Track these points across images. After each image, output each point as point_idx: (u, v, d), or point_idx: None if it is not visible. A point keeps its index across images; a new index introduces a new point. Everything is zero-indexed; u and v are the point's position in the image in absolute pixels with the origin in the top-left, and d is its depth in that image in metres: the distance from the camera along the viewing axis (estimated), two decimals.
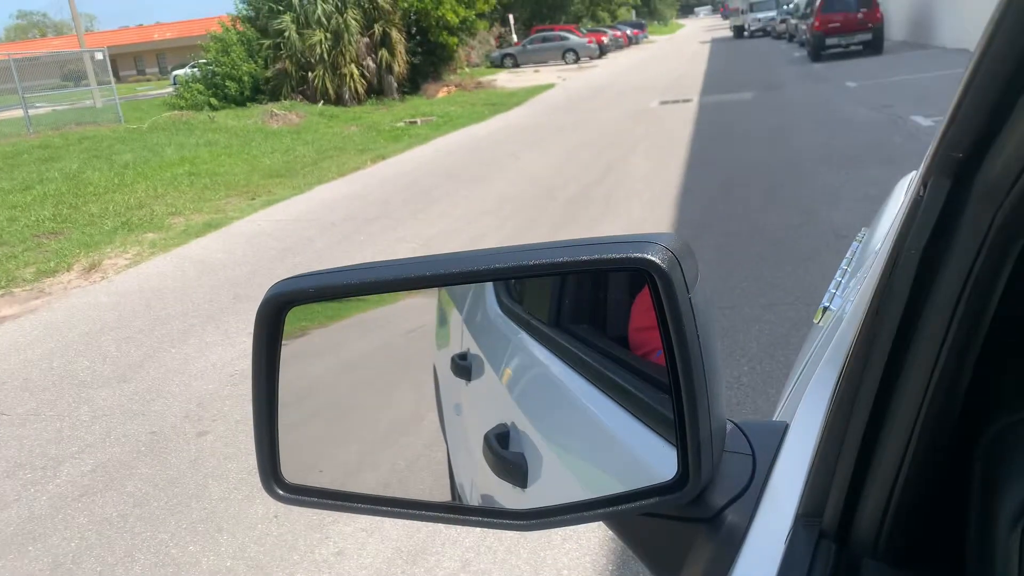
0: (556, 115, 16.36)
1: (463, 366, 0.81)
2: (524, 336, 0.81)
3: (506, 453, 0.73)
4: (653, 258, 0.59)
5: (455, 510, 0.76)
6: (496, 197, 8.78)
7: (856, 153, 8.73)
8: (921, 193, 0.48)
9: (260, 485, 0.77)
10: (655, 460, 0.64)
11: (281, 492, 0.74)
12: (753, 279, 5.08)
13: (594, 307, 0.75)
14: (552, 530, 2.83)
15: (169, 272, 6.86)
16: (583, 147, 11.67)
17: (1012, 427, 0.52)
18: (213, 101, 20.71)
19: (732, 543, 0.63)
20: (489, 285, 0.79)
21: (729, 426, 0.74)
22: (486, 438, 0.75)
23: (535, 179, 9.61)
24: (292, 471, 0.75)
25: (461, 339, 0.81)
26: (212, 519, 3.11)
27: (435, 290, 0.77)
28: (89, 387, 4.50)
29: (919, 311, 0.49)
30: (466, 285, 0.76)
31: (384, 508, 0.74)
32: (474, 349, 0.82)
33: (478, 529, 0.76)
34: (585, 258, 0.62)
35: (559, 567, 2.64)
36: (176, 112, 18.94)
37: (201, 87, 21.50)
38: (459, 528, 2.84)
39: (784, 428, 0.77)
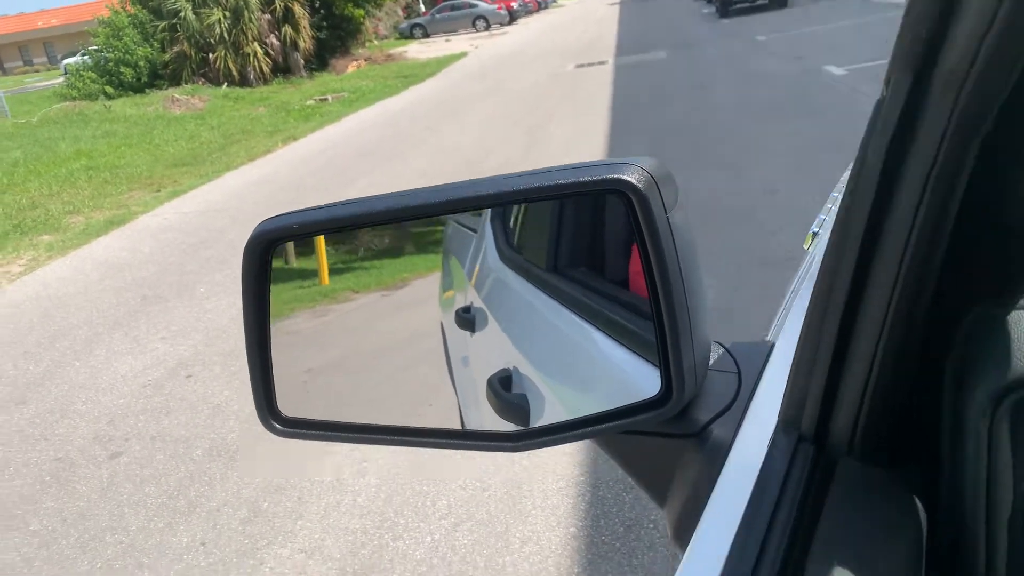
0: (471, 84, 16.00)
1: (467, 319, 0.84)
2: (524, 283, 0.84)
3: (508, 395, 0.76)
4: (629, 178, 0.59)
5: (448, 435, 0.78)
6: (415, 174, 8.44)
7: (775, 106, 8.71)
8: (884, 93, 0.48)
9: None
10: (646, 384, 0.66)
11: (279, 427, 0.75)
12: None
13: (590, 251, 0.77)
14: (511, 532, 2.64)
15: (69, 276, 6.34)
16: (502, 116, 11.39)
17: (983, 319, 0.53)
18: (108, 89, 19.54)
19: (718, 456, 0.65)
20: (490, 237, 0.84)
21: (718, 349, 0.77)
22: (489, 382, 0.78)
23: (455, 153, 9.30)
24: (290, 406, 0.75)
25: (465, 295, 0.86)
26: (131, 553, 2.80)
27: (439, 250, 0.81)
28: None
29: (885, 209, 0.49)
30: (466, 230, 0.80)
31: (381, 436, 0.75)
32: (477, 302, 0.86)
33: (468, 451, 0.77)
34: (562, 181, 0.62)
35: (520, 574, 2.44)
36: (68, 103, 17.81)
37: (94, 75, 20.26)
38: (413, 538, 2.61)
39: (770, 347, 0.79)
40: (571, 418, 0.70)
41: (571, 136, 9.10)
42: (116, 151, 11.91)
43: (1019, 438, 0.50)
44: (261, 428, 0.76)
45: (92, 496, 3.19)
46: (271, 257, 0.71)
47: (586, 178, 0.62)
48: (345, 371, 0.88)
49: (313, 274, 0.80)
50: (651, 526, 2.56)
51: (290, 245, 0.78)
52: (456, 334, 0.84)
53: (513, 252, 0.85)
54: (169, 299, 5.43)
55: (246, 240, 0.69)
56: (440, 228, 0.83)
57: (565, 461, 2.96)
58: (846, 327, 0.54)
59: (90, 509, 3.10)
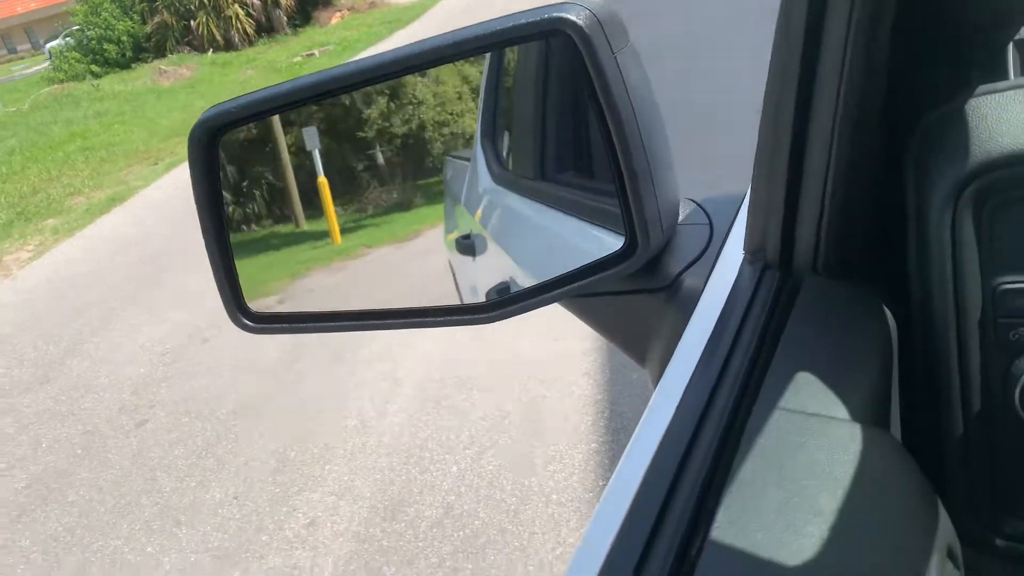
0: (459, 21, 15.66)
1: (467, 244, 0.84)
2: (517, 198, 0.85)
3: (475, 301, 0.77)
4: (571, 17, 0.57)
5: (422, 313, 0.76)
6: None
7: None
8: None
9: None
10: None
11: (249, 323, 0.73)
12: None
13: (576, 153, 0.76)
14: (534, 454, 2.66)
15: (78, 257, 6.37)
16: None
17: (939, 119, 0.52)
18: (94, 68, 19.33)
19: (690, 303, 0.64)
20: (481, 161, 0.83)
21: (690, 204, 0.76)
22: (487, 294, 0.78)
23: None
24: (259, 302, 0.74)
25: (464, 223, 0.86)
26: (167, 513, 2.86)
27: (442, 195, 0.81)
28: (8, 395, 4.13)
29: (821, 17, 0.48)
30: (463, 162, 0.79)
31: (356, 323, 0.74)
32: (476, 228, 0.86)
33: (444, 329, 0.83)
34: (500, 28, 0.60)
35: (546, 491, 2.47)
36: (57, 86, 17.66)
37: (78, 55, 20.03)
38: (439, 470, 2.65)
39: (742, 197, 0.78)
40: (539, 282, 0.69)
41: None
42: (110, 129, 11.84)
43: (983, 229, 0.49)
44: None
45: (124, 464, 3.25)
46: (219, 147, 0.69)
47: (526, 21, 0.59)
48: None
49: (325, 234, 0.80)
50: None
51: (298, 207, 0.79)
52: (461, 265, 0.84)
53: (504, 171, 0.85)
54: (178, 268, 5.44)
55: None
56: (442, 177, 0.83)
57: (582, 382, 2.97)
58: (797, 148, 0.52)
59: (123, 476, 3.17)
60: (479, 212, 0.88)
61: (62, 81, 18.82)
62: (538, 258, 0.82)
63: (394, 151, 0.82)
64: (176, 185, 8.00)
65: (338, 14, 21.83)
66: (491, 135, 0.86)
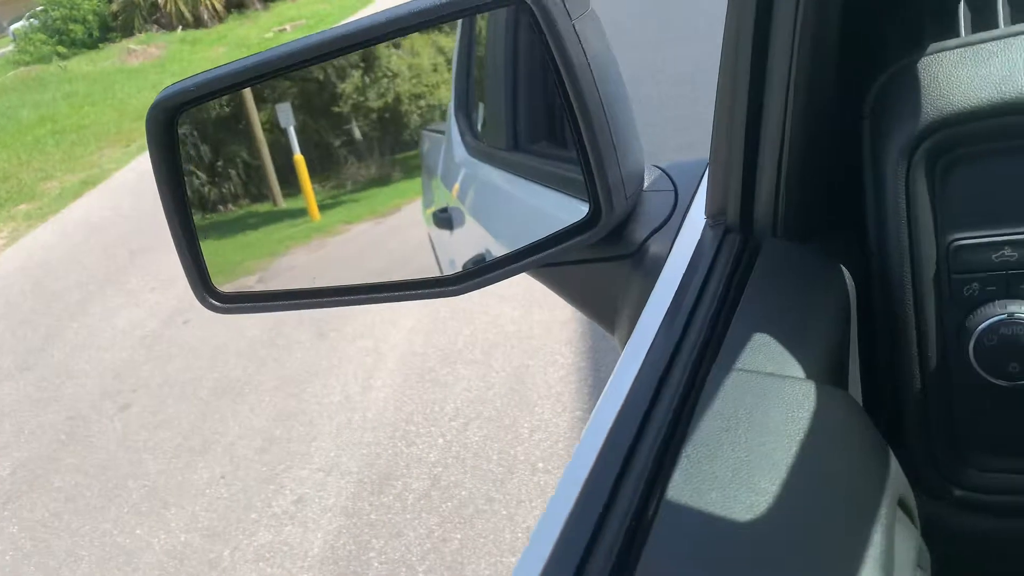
0: None
1: (444, 218, 0.84)
2: (490, 168, 0.84)
3: (441, 274, 0.76)
4: None
5: (389, 287, 0.75)
6: None
7: None
8: None
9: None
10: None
11: (216, 303, 0.72)
12: None
13: (549, 123, 0.75)
14: (519, 423, 2.68)
15: (53, 242, 6.29)
16: None
17: (892, 78, 0.52)
18: (60, 49, 18.93)
19: (656, 269, 0.64)
20: (455, 134, 0.82)
21: (655, 171, 0.75)
22: (464, 267, 0.77)
23: None
24: (226, 281, 0.73)
25: (441, 197, 0.85)
26: (155, 495, 2.87)
27: (419, 169, 0.80)
28: None
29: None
30: (438, 134, 0.79)
31: (323, 299, 0.74)
32: (452, 201, 0.86)
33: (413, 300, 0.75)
34: None
35: (532, 460, 2.49)
36: (23, 69, 17.29)
37: (43, 37, 19.59)
38: (425, 443, 2.66)
39: (707, 163, 0.77)
40: (505, 253, 0.69)
41: None
42: (80, 111, 11.64)
43: (936, 186, 0.49)
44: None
45: (109, 447, 3.24)
46: (177, 127, 0.68)
47: None
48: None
49: (303, 212, 0.79)
50: None
51: (275, 186, 0.77)
52: (439, 238, 0.84)
53: (478, 142, 0.85)
54: (156, 249, 5.38)
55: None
56: (419, 151, 0.82)
57: (565, 350, 2.98)
58: (754, 111, 0.53)
59: (109, 460, 3.16)
60: (455, 185, 0.87)
61: (28, 64, 18.43)
62: (511, 229, 0.82)
63: (370, 125, 0.80)
64: (150, 166, 7.90)
65: None
66: (464, 107, 0.85)
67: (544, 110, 0.76)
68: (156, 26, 19.03)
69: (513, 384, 2.89)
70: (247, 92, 0.76)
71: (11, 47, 24.56)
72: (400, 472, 2.62)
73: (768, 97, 0.52)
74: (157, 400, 3.50)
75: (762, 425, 0.41)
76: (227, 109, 0.78)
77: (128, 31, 18.97)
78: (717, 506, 0.37)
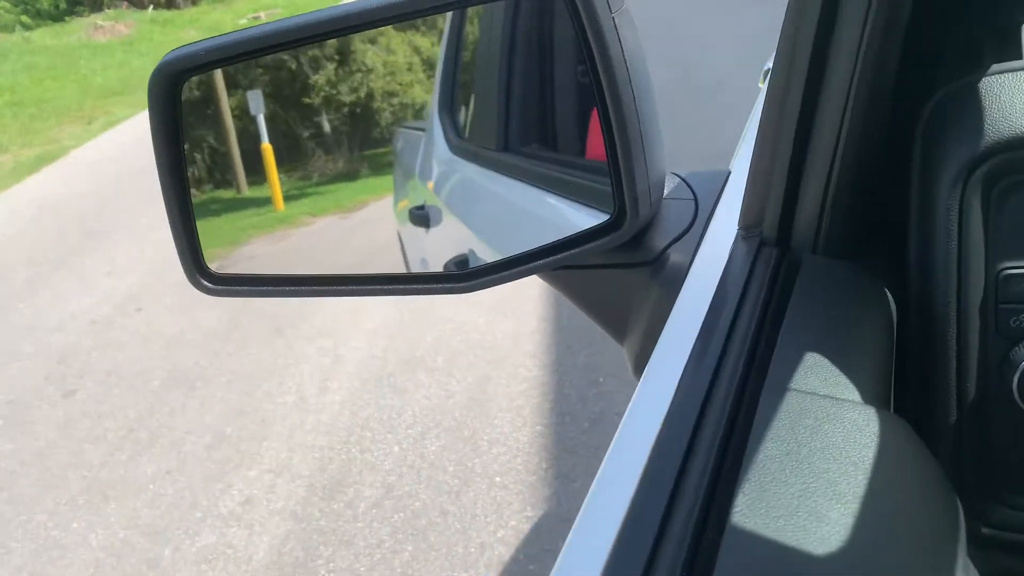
0: None
1: (420, 215, 0.83)
2: (477, 169, 0.83)
3: (452, 270, 0.74)
4: None
5: (394, 280, 0.74)
6: None
7: None
8: None
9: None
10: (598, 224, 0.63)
11: (208, 284, 0.70)
12: None
13: (541, 126, 0.75)
14: (478, 435, 2.64)
15: (3, 218, 6.08)
16: None
17: (950, 96, 0.50)
18: (24, 19, 18.42)
19: (676, 279, 0.62)
20: (439, 132, 0.81)
21: (674, 179, 0.74)
22: (445, 266, 0.76)
23: None
24: (219, 261, 0.71)
25: (418, 194, 0.84)
26: (95, 488, 2.76)
27: (390, 167, 0.79)
28: None
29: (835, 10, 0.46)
30: (416, 132, 0.77)
31: (322, 288, 0.72)
32: (430, 199, 0.85)
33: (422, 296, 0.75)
34: None
35: (490, 474, 2.45)
36: None
37: (8, 5, 19.04)
38: (380, 450, 2.61)
39: (727, 175, 0.77)
40: (521, 252, 0.66)
41: None
42: (40, 84, 11.31)
43: (990, 212, 0.47)
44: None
45: (50, 435, 3.12)
46: (180, 93, 0.65)
47: None
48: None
49: (267, 201, 0.78)
50: (616, 418, 2.57)
51: (240, 173, 0.75)
52: (412, 236, 0.82)
53: (463, 141, 0.84)
54: (111, 233, 5.24)
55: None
56: (392, 148, 0.81)
57: (528, 363, 2.95)
58: (806, 120, 0.50)
59: (49, 448, 3.04)
60: (434, 183, 0.86)
61: None
62: (504, 230, 0.81)
63: (341, 119, 0.80)
64: (112, 146, 7.71)
65: None
66: (449, 105, 0.84)
67: (539, 111, 0.75)
68: (127, 3, 18.62)
69: (474, 394, 2.84)
70: (218, 76, 0.75)
71: None
72: (353, 479, 2.56)
73: (824, 105, 0.49)
74: (104, 388, 3.39)
75: (824, 450, 0.38)
76: (197, 92, 0.76)
77: (97, 6, 18.53)
78: (787, 535, 0.34)
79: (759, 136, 0.54)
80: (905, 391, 0.54)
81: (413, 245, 0.84)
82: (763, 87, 1.27)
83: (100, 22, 16.12)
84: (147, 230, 5.12)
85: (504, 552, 2.18)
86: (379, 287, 0.71)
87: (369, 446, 2.70)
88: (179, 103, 0.65)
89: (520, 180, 0.78)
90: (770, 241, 0.56)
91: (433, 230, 0.84)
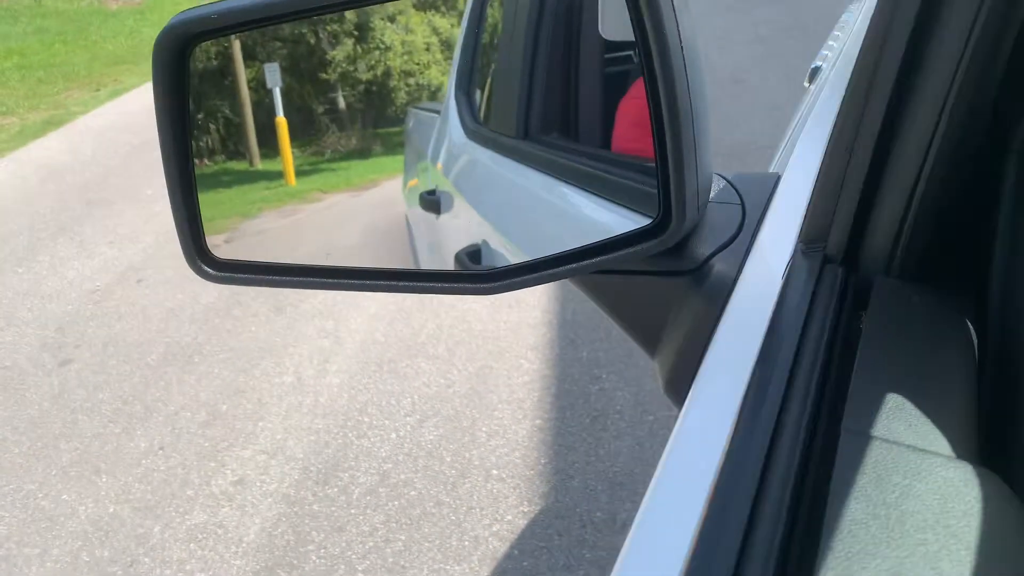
0: None
1: (431, 200, 0.80)
2: (493, 155, 0.80)
3: (477, 267, 0.71)
4: None
5: (413, 276, 0.71)
6: None
7: None
8: None
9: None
10: (633, 227, 0.59)
11: (210, 270, 0.67)
12: None
13: (563, 115, 0.72)
14: (477, 426, 2.61)
15: (5, 181, 6.03)
16: None
17: None
18: None
19: (720, 292, 0.58)
20: (454, 115, 0.77)
21: (719, 181, 0.70)
22: (457, 256, 0.73)
23: None
24: (222, 246, 0.68)
25: (429, 178, 0.81)
26: (87, 460, 2.73)
27: (402, 146, 0.76)
28: None
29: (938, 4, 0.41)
30: (430, 114, 0.74)
31: (335, 280, 0.67)
32: (442, 184, 0.82)
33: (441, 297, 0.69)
34: None
35: (487, 466, 2.42)
36: None
37: None
38: (378, 436, 2.57)
39: (776, 178, 0.72)
40: (555, 253, 0.61)
41: None
42: (50, 48, 11.24)
43: None
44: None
45: (43, 404, 3.09)
46: (189, 60, 0.61)
47: None
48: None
49: (279, 175, 0.76)
50: (617, 416, 2.54)
51: (254, 145, 0.73)
52: (421, 220, 0.80)
53: (479, 126, 0.81)
54: (115, 202, 5.19)
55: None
56: (404, 128, 0.79)
57: (531, 355, 2.91)
58: (890, 127, 0.46)
59: (41, 417, 3.01)
60: (446, 168, 0.84)
61: None
62: (524, 223, 0.77)
63: (356, 97, 0.77)
64: (119, 114, 7.64)
65: None
66: (466, 87, 0.81)
67: (562, 99, 0.72)
68: None
69: (475, 384, 2.81)
70: (236, 47, 0.72)
71: None
72: (348, 464, 2.53)
73: (913, 112, 0.45)
74: (100, 359, 3.35)
75: (917, 515, 0.33)
76: (214, 62, 0.73)
77: None
78: None
79: (831, 143, 0.50)
80: (987, 438, 0.49)
81: (422, 230, 0.81)
82: (809, 87, 1.23)
83: None
84: (151, 201, 5.08)
85: (498, 546, 2.15)
86: (394, 283, 0.67)
87: (366, 432, 2.66)
88: (187, 71, 0.61)
89: (540, 171, 0.74)
90: (835, 258, 0.51)
91: (444, 216, 0.80)
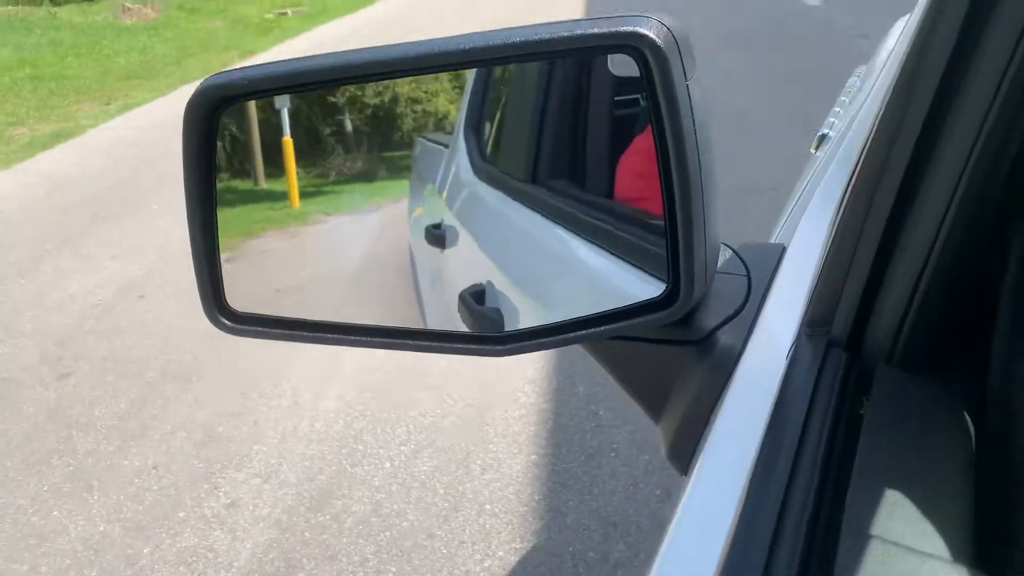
0: None
1: (437, 235, 0.81)
2: (500, 196, 0.80)
3: (481, 308, 0.72)
4: (647, 32, 0.51)
5: (426, 336, 0.72)
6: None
7: (747, 33, 8.54)
8: None
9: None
10: (640, 291, 0.60)
11: (227, 322, 0.69)
12: None
13: (572, 161, 0.73)
14: (471, 459, 2.60)
15: (13, 191, 6.06)
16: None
17: None
18: None
19: (725, 365, 0.59)
20: (463, 151, 0.79)
21: (725, 251, 0.71)
22: (461, 296, 0.74)
23: None
24: (240, 298, 0.70)
25: (436, 211, 0.81)
26: (79, 477, 2.72)
27: (407, 171, 0.76)
28: None
29: (953, 95, 0.42)
30: (438, 146, 0.75)
31: (348, 337, 0.69)
32: (448, 218, 0.82)
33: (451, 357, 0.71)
34: (567, 35, 0.54)
35: (480, 500, 2.41)
36: (11, 8, 16.84)
37: None
38: (372, 464, 2.57)
39: (782, 250, 0.73)
40: (564, 319, 0.63)
41: None
42: (63, 61, 11.34)
43: None
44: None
45: (39, 418, 3.09)
46: (219, 121, 0.62)
47: (595, 31, 0.52)
48: (312, 293, 0.84)
49: (283, 195, 0.77)
50: (612, 455, 2.54)
51: (259, 164, 0.73)
52: (425, 252, 0.80)
53: (488, 164, 0.82)
54: (121, 217, 5.22)
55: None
56: (410, 154, 0.79)
57: (528, 389, 2.92)
58: (902, 208, 0.46)
59: (36, 431, 3.00)
60: (454, 202, 0.84)
61: (16, 3, 17.96)
62: (530, 271, 0.78)
63: (363, 120, 0.78)
64: (129, 129, 7.70)
65: None
66: (476, 123, 0.82)
67: (572, 145, 0.73)
68: None
69: (471, 416, 2.81)
70: None
71: None
72: (341, 492, 2.52)
73: (920, 208, 0.45)
74: (98, 374, 3.35)
75: None
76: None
77: None
78: None
79: (839, 229, 0.51)
80: (981, 540, 0.50)
81: (425, 261, 0.81)
82: (817, 154, 1.24)
83: (128, 4, 16.18)
84: (156, 216, 5.10)
85: None
86: (404, 341, 0.69)
87: (361, 459, 2.66)
88: (215, 132, 0.63)
89: (548, 217, 0.75)
90: (839, 342, 0.52)
91: (448, 250, 0.81)
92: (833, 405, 0.47)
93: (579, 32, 0.53)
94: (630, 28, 0.51)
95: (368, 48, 0.59)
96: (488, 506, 2.39)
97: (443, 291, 0.82)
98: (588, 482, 2.44)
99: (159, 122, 7.85)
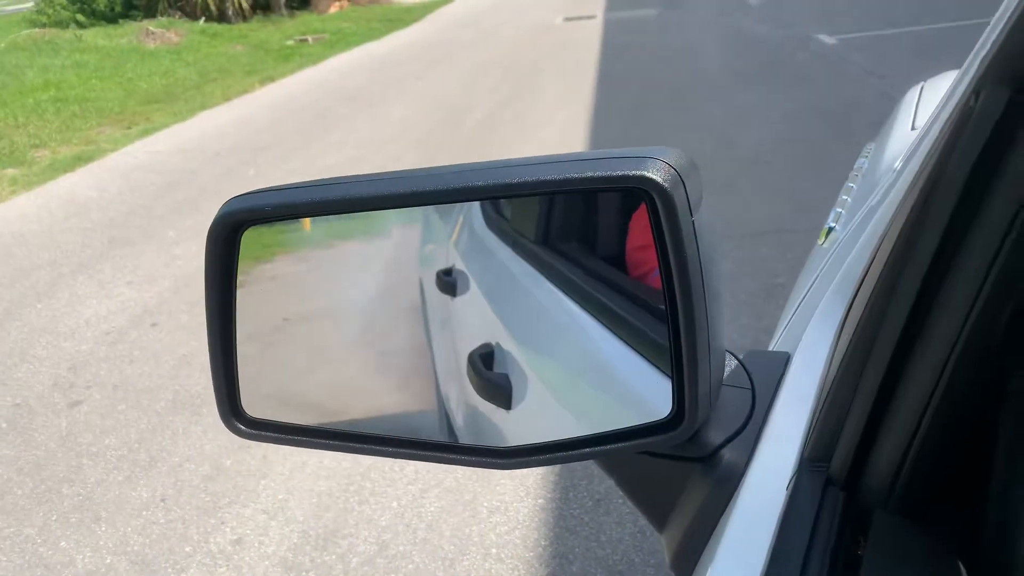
0: (458, 31, 15.64)
1: (448, 282, 0.81)
2: (511, 253, 0.80)
3: (490, 374, 0.72)
4: (654, 176, 0.53)
5: (432, 447, 0.73)
6: (398, 122, 8.26)
7: (763, 72, 8.59)
8: (972, 103, 0.41)
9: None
10: (648, 392, 0.61)
11: (243, 427, 0.70)
12: None
13: (584, 225, 0.72)
14: (478, 501, 2.60)
15: (33, 214, 6.15)
16: (489, 66, 11.15)
17: None
18: (80, 17, 18.86)
19: (728, 483, 0.59)
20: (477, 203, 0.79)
21: (731, 361, 0.71)
22: (470, 358, 0.74)
23: (440, 102, 9.10)
24: (254, 404, 0.71)
25: (447, 255, 0.80)
26: (88, 507, 2.73)
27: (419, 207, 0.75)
28: None
29: (960, 240, 0.43)
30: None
31: (357, 445, 0.71)
32: (459, 265, 0.81)
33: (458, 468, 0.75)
34: (576, 175, 0.56)
35: (486, 544, 2.40)
36: (38, 30, 17.16)
37: (65, 1, 19.54)
38: (379, 503, 2.57)
39: (786, 359, 0.73)
40: (568, 437, 0.64)
41: (560, 92, 8.92)
42: (86, 83, 11.52)
43: None
44: None
45: (50, 445, 3.11)
46: (240, 241, 0.64)
47: (604, 173, 0.55)
48: (321, 327, 0.84)
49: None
50: (620, 501, 2.53)
51: None
52: (436, 295, 0.80)
53: (500, 218, 0.82)
54: (137, 242, 5.28)
55: (212, 219, 0.62)
56: None
57: None
58: (897, 366, 0.47)
59: (47, 459, 3.02)
60: (465, 251, 0.83)
61: (44, 25, 18.30)
62: (533, 338, 0.77)
63: None
64: (148, 154, 7.80)
65: (337, 3, 21.64)
66: None
67: (582, 210, 0.73)
68: (180, 12, 19.02)
69: None
70: None
71: (31, 4, 24.37)
72: (348, 530, 2.52)
73: (918, 360, 0.46)
74: (110, 403, 3.37)
75: None
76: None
77: (151, 12, 18.94)
78: None
79: (843, 365, 0.52)
80: None
81: (436, 304, 0.81)
82: (821, 244, 1.24)
83: (152, 28, 16.45)
84: (172, 243, 5.16)
85: None
86: (416, 452, 0.70)
87: (368, 498, 2.66)
88: (237, 251, 0.65)
89: (557, 285, 0.75)
90: (837, 481, 0.52)
91: (459, 299, 0.81)
92: (831, 546, 0.47)
93: (588, 174, 0.55)
94: (638, 172, 0.53)
95: (382, 177, 0.61)
96: (494, 550, 2.38)
97: (452, 337, 0.82)
98: (595, 529, 2.42)
99: (177, 147, 7.96)
